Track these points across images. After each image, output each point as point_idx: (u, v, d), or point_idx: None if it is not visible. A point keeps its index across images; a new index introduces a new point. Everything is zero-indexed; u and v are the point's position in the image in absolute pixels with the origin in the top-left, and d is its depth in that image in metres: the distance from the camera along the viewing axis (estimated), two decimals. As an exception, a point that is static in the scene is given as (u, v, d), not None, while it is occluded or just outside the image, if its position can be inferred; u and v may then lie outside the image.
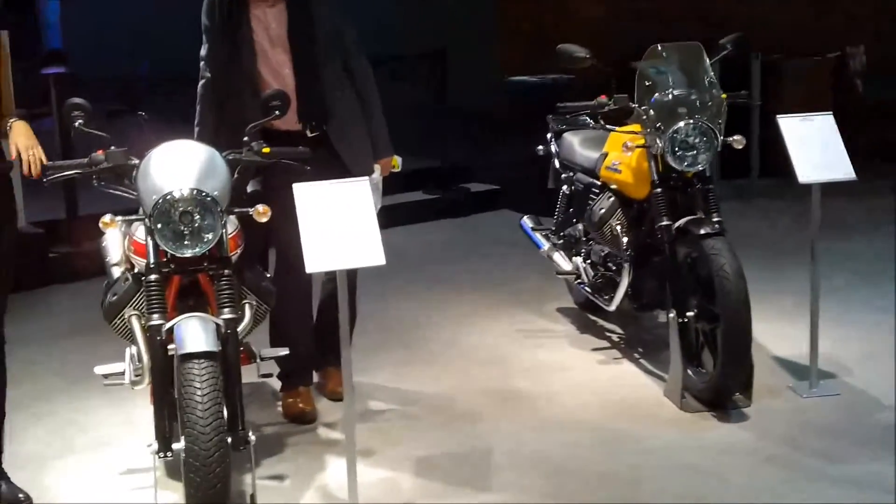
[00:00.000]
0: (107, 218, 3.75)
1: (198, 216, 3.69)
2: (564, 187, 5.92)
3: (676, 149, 4.77)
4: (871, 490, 3.96)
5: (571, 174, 5.84)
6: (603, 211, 5.22)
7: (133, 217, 3.85)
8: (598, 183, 5.42)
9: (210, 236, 3.72)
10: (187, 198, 3.68)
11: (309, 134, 4.62)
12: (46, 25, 15.50)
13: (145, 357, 3.74)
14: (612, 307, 5.28)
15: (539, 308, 6.20)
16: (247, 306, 3.95)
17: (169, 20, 10.78)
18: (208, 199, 3.69)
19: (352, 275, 4.61)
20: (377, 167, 4.80)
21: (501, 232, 7.95)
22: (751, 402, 4.65)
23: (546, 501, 4.00)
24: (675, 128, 4.75)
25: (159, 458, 3.66)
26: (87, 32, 14.43)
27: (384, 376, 5.25)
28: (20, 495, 4.04)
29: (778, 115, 4.93)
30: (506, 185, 9.01)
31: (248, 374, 4.01)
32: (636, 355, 5.38)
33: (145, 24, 13.49)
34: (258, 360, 4.15)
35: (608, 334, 5.72)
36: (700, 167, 4.83)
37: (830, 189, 4.83)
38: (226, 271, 3.79)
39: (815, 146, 4.82)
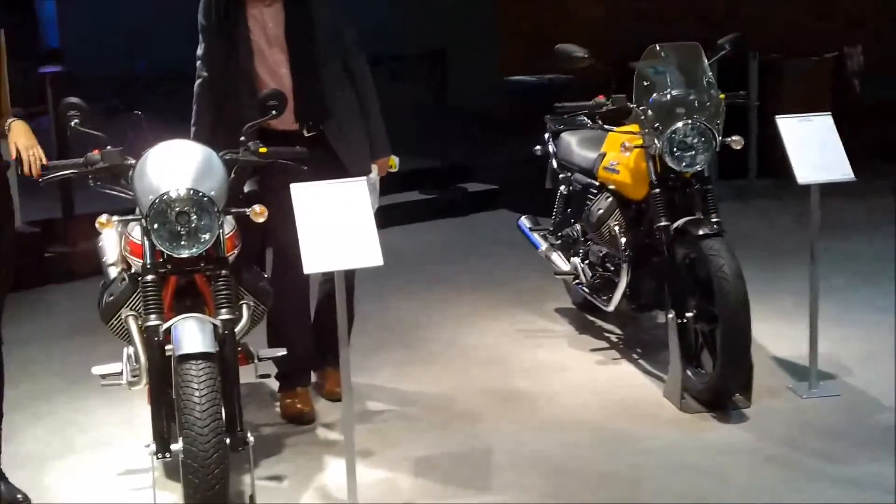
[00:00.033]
0: (103, 218, 3.73)
1: (194, 216, 3.67)
2: (562, 187, 5.91)
3: (675, 149, 4.76)
4: (871, 491, 3.95)
5: (569, 174, 5.83)
6: (601, 211, 5.21)
7: (129, 217, 3.83)
8: (596, 183, 5.41)
9: (207, 237, 3.70)
10: (184, 198, 3.66)
11: (306, 134, 4.61)
12: (44, 24, 15.48)
13: (142, 357, 3.72)
14: (611, 308, 5.27)
15: (538, 308, 6.19)
16: (244, 307, 3.93)
17: (166, 19, 10.77)
18: (205, 199, 3.68)
19: (349, 275, 4.60)
20: (374, 167, 4.78)
21: (499, 232, 7.94)
22: (750, 403, 4.64)
23: (545, 501, 3.99)
24: (674, 128, 4.74)
25: (157, 458, 3.65)
26: (85, 31, 14.41)
27: (383, 376, 5.23)
28: (18, 496, 4.02)
29: (777, 116, 4.92)
30: (503, 185, 9.00)
31: (246, 375, 4.00)
32: (635, 356, 5.37)
33: (142, 24, 13.47)
34: (256, 361, 4.12)
35: (607, 335, 5.71)
36: (698, 167, 4.82)
37: (829, 189, 4.83)
38: (223, 272, 3.77)
39: (813, 147, 4.81)
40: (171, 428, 3.62)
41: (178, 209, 3.66)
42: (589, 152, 5.56)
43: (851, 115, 8.07)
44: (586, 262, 5.61)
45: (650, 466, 4.21)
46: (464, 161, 9.36)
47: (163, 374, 3.63)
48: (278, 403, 4.83)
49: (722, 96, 4.89)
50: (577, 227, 5.70)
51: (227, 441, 3.45)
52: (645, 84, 4.93)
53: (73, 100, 3.93)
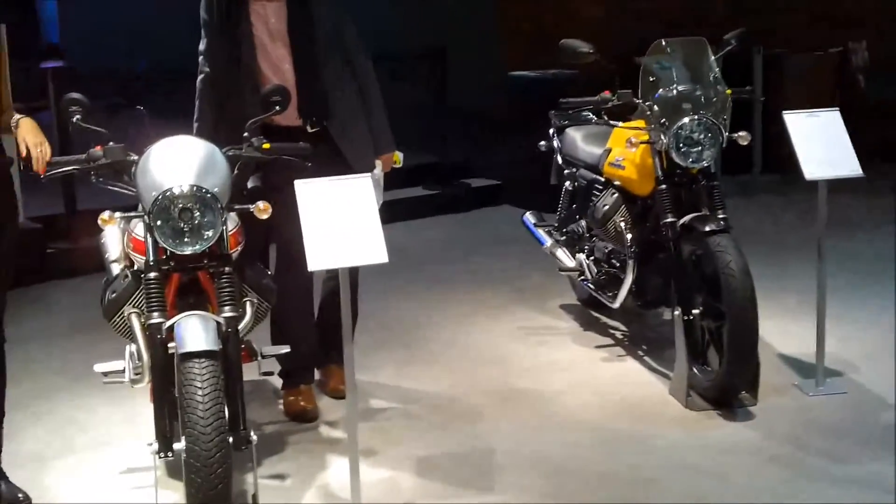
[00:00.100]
0: (105, 215, 3.70)
1: (198, 213, 3.65)
2: (567, 183, 5.88)
3: (681, 145, 4.73)
4: (876, 489, 3.92)
5: (574, 170, 5.80)
6: (606, 207, 5.18)
7: (132, 214, 3.80)
8: (602, 179, 5.38)
9: (210, 233, 3.68)
10: (187, 194, 3.63)
11: (309, 130, 4.58)
12: (45, 21, 15.45)
13: (145, 355, 3.69)
14: (616, 304, 5.24)
15: (541, 305, 6.16)
16: (247, 304, 3.91)
17: (168, 15, 10.73)
18: (208, 195, 3.65)
19: (353, 272, 4.56)
20: (378, 163, 4.76)
21: (503, 228, 7.91)
22: (757, 401, 4.61)
23: (548, 501, 3.96)
24: (680, 124, 4.71)
25: (160, 458, 3.62)
26: (86, 26, 14.38)
27: (385, 374, 5.21)
28: (19, 495, 4.00)
29: (784, 111, 4.89)
30: (507, 181, 8.97)
31: (249, 372, 3.97)
32: (640, 353, 5.34)
33: (144, 19, 13.43)
34: (259, 358, 4.10)
35: (612, 331, 5.68)
36: (705, 163, 4.79)
37: (833, 186, 4.80)
38: (226, 269, 3.75)
39: (821, 142, 4.79)
40: (174, 426, 3.59)
41: (181, 206, 3.63)
42: (594, 148, 5.53)
43: (855, 112, 8.03)
44: (591, 258, 5.59)
45: (653, 466, 4.18)
46: (467, 157, 9.33)
47: (165, 372, 3.61)
48: (281, 401, 4.80)
49: (728, 92, 4.85)
50: (583, 223, 5.67)
51: (230, 440, 3.43)
52: (651, 79, 4.90)
53: (75, 95, 3.90)
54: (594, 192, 5.43)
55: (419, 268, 7.02)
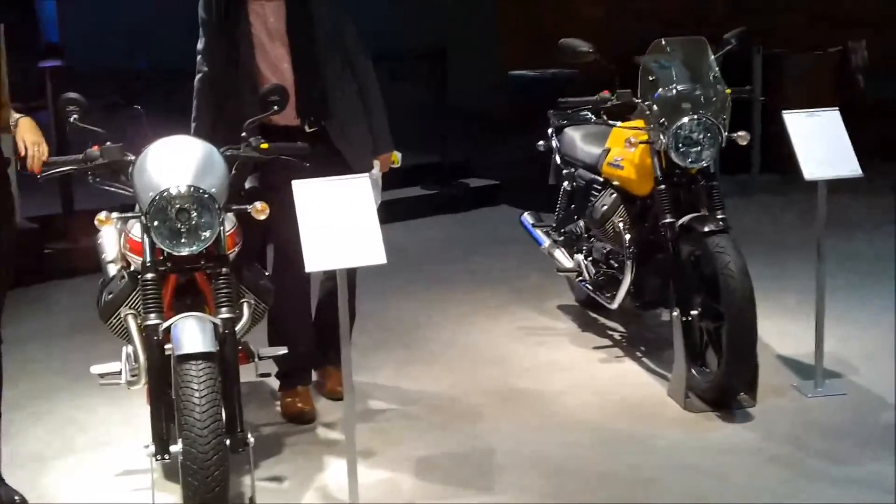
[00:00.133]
0: (102, 215, 3.68)
1: (195, 213, 3.63)
2: (566, 183, 5.86)
3: (680, 145, 4.72)
4: (876, 490, 3.91)
5: (573, 170, 5.78)
6: (605, 207, 5.17)
7: (129, 214, 3.78)
8: (600, 179, 5.37)
9: (207, 234, 3.66)
10: (184, 195, 3.61)
11: (307, 129, 4.56)
12: (44, 21, 15.44)
13: (142, 357, 3.68)
14: (615, 305, 5.23)
15: (540, 306, 6.15)
16: (245, 305, 3.89)
17: (166, 14, 10.72)
18: (206, 196, 3.63)
19: (351, 273, 4.55)
20: (377, 163, 4.74)
21: (501, 228, 7.90)
22: (755, 402, 4.60)
23: (548, 502, 3.95)
24: (679, 123, 4.70)
25: (157, 460, 3.60)
26: (85, 26, 14.37)
27: (383, 375, 5.19)
28: (16, 497, 3.98)
29: (784, 111, 4.87)
30: (505, 181, 8.95)
31: (246, 374, 3.96)
32: (638, 354, 5.33)
33: (143, 18, 13.42)
34: (256, 360, 4.08)
35: (610, 332, 5.67)
36: (704, 163, 4.77)
37: (832, 185, 4.78)
38: (223, 270, 3.73)
39: (820, 142, 4.78)
40: (171, 428, 3.57)
41: (178, 206, 3.61)
42: (593, 148, 5.51)
43: (855, 111, 8.01)
44: (590, 258, 5.57)
45: (653, 466, 4.17)
46: (466, 157, 9.32)
47: (162, 373, 3.59)
48: (279, 402, 4.79)
49: (728, 91, 4.84)
50: (581, 223, 5.65)
51: (228, 442, 3.41)
52: (650, 79, 4.88)
53: (73, 95, 3.88)
54: (593, 192, 5.41)
55: (418, 268, 7.00)
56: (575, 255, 5.66)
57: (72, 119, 3.86)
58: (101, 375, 3.99)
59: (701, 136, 4.71)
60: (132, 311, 3.81)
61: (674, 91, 4.79)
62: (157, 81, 10.70)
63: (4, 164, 3.97)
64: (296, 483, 4.13)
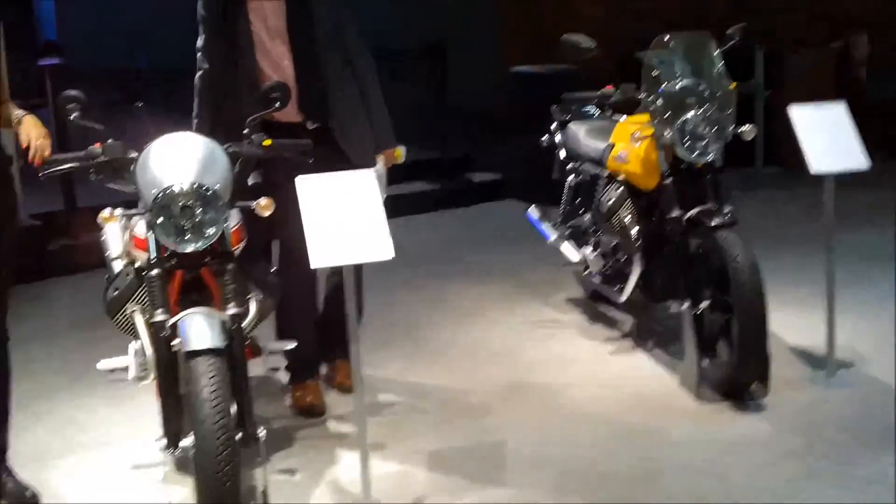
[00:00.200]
0: (105, 213, 3.65)
1: (199, 210, 3.59)
2: (570, 178, 5.84)
3: (686, 139, 4.69)
4: (888, 483, 3.87)
5: (578, 165, 5.76)
6: (611, 202, 5.14)
7: (133, 211, 3.75)
8: (606, 173, 5.35)
9: (212, 231, 3.62)
10: (188, 192, 3.58)
11: (309, 126, 4.53)
12: (42, 17, 15.41)
13: (149, 353, 3.65)
14: (623, 298, 5.21)
15: (547, 299, 6.13)
16: (252, 301, 3.86)
17: (166, 12, 10.70)
18: (209, 192, 3.59)
19: (358, 267, 4.52)
20: (380, 159, 4.72)
21: (505, 222, 7.88)
22: (767, 393, 4.57)
23: (560, 496, 3.92)
24: (685, 118, 4.67)
25: (168, 454, 3.59)
26: (84, 24, 14.34)
27: (391, 369, 5.18)
28: (27, 492, 3.98)
29: (790, 105, 4.85)
30: (509, 176, 8.93)
31: (255, 368, 3.94)
32: (648, 346, 5.31)
33: (142, 16, 13.40)
34: (265, 355, 4.06)
35: (619, 325, 5.65)
36: (710, 158, 4.75)
37: (837, 179, 4.74)
38: (229, 266, 3.70)
39: (827, 135, 4.76)
40: (181, 423, 3.55)
41: (182, 203, 3.58)
42: (597, 142, 5.49)
43: (856, 106, 7.97)
44: (597, 252, 5.55)
45: (665, 459, 4.14)
46: (469, 152, 9.29)
47: (170, 369, 3.56)
48: (288, 396, 4.77)
49: (733, 86, 4.82)
50: (587, 217, 5.64)
51: (238, 437, 3.38)
52: (655, 74, 4.86)
53: (73, 92, 3.85)
54: (598, 186, 5.39)
55: (423, 263, 6.98)
56: (582, 249, 5.63)
57: (72, 117, 3.82)
58: (109, 371, 3.96)
59: (706, 131, 4.69)
60: (139, 307, 3.77)
61: (679, 86, 4.76)
62: (157, 79, 10.68)
63: (7, 162, 3.95)
64: (307, 476, 4.11)
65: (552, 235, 5.85)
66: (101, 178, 3.85)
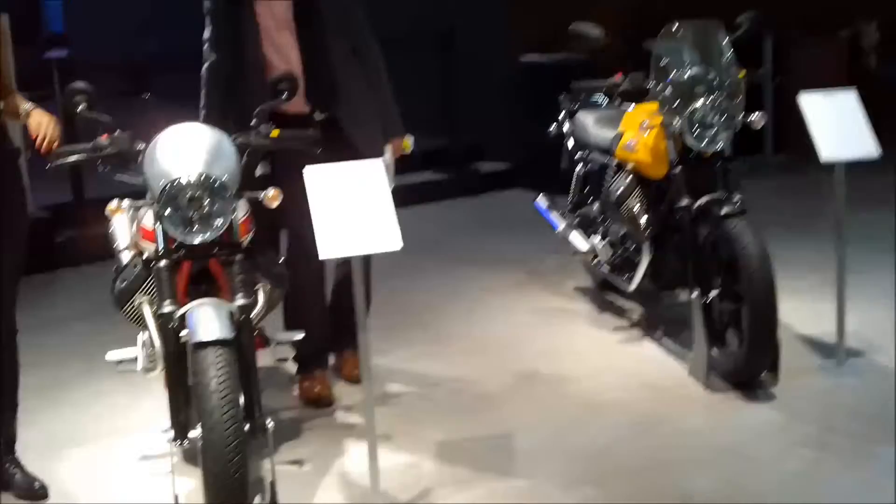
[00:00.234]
0: (113, 204, 3.65)
1: (207, 201, 3.58)
2: (579, 167, 5.83)
3: (695, 128, 4.67)
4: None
5: (586, 154, 5.74)
6: (620, 191, 5.13)
7: (140, 203, 3.74)
8: (615, 163, 5.33)
9: (220, 222, 3.62)
10: (196, 183, 3.57)
11: (317, 116, 4.52)
12: (48, 9, 15.41)
13: (158, 344, 3.64)
14: (632, 287, 5.20)
15: (556, 288, 6.12)
16: (260, 291, 3.85)
17: (173, 3, 10.67)
18: (217, 184, 3.59)
19: (367, 258, 4.52)
20: (388, 149, 4.70)
21: (513, 211, 7.87)
22: (778, 382, 4.56)
23: (569, 488, 3.90)
24: (694, 107, 4.65)
25: (176, 446, 3.59)
26: (90, 15, 14.33)
27: (399, 359, 5.17)
28: (35, 484, 3.99)
29: (800, 93, 4.82)
30: (517, 165, 8.90)
31: (263, 359, 3.92)
32: (658, 335, 5.30)
33: (149, 7, 13.38)
34: (273, 345, 4.05)
35: (628, 314, 5.64)
36: (719, 146, 4.72)
37: (846, 166, 4.72)
38: (237, 257, 3.69)
39: (837, 123, 4.73)
40: (189, 414, 3.55)
41: (189, 194, 3.57)
42: (606, 131, 5.47)
43: (865, 93, 7.93)
44: (605, 241, 5.53)
45: (675, 448, 4.14)
46: (477, 141, 9.27)
47: (179, 360, 3.55)
48: (296, 386, 4.77)
49: (742, 74, 4.79)
50: (596, 206, 5.62)
51: (246, 428, 3.38)
52: (664, 62, 4.83)
53: (80, 84, 3.84)
54: (607, 175, 5.38)
55: (431, 253, 6.97)
56: (591, 238, 5.62)
57: (80, 109, 3.82)
58: (118, 362, 3.96)
59: (716, 119, 4.67)
60: (147, 299, 3.77)
61: (688, 74, 4.74)
62: (164, 71, 10.67)
63: (15, 154, 3.95)
64: (316, 467, 4.12)
65: (561, 225, 5.84)
66: (109, 169, 3.85)
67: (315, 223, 3.67)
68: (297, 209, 4.07)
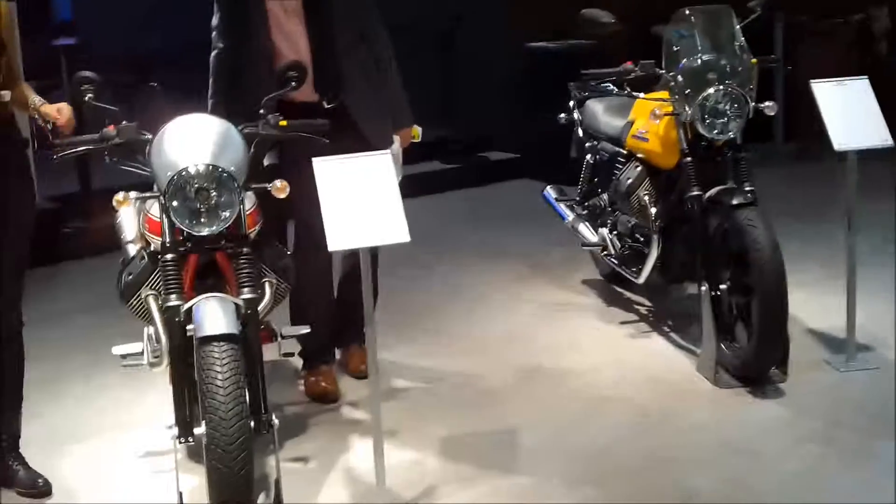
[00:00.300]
0: (120, 196, 3.62)
1: (214, 193, 3.56)
2: (588, 156, 5.78)
3: (706, 116, 4.62)
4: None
5: (595, 143, 5.70)
6: (630, 181, 5.08)
7: (147, 194, 3.72)
8: (624, 152, 5.29)
9: (227, 213, 3.59)
10: (203, 174, 3.54)
11: (326, 105, 4.48)
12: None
13: (163, 338, 3.61)
14: (641, 280, 5.15)
15: (564, 281, 6.08)
16: (267, 285, 3.82)
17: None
18: (224, 175, 3.56)
19: (374, 250, 4.48)
20: (396, 138, 4.67)
21: (522, 202, 7.80)
22: (787, 377, 4.52)
23: (574, 484, 3.88)
24: (705, 94, 4.60)
25: (180, 443, 3.56)
26: (99, 3, 14.28)
27: (404, 353, 5.14)
28: (39, 480, 3.96)
29: (812, 81, 4.77)
30: (526, 154, 8.85)
31: (269, 353, 3.90)
32: (666, 329, 5.25)
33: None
34: (279, 339, 4.02)
35: (636, 307, 5.59)
36: (731, 135, 4.68)
37: (858, 155, 4.67)
38: (244, 249, 3.66)
39: (850, 112, 4.68)
40: (194, 410, 3.52)
41: (197, 186, 3.54)
42: (616, 120, 5.42)
43: (875, 80, 7.87)
44: (615, 232, 5.48)
45: (683, 444, 4.11)
46: (485, 130, 9.22)
47: (184, 355, 3.53)
48: (302, 381, 4.73)
49: (754, 61, 4.74)
50: (605, 196, 5.57)
51: (252, 424, 3.35)
52: (674, 49, 4.79)
53: (87, 73, 3.83)
54: (617, 165, 5.34)
55: (438, 244, 6.93)
56: (599, 230, 5.57)
57: (87, 98, 3.80)
58: (123, 356, 3.94)
59: (727, 107, 4.62)
60: (153, 292, 3.73)
61: (699, 61, 4.69)
62: (173, 59, 10.63)
63: (23, 144, 3.93)
64: (321, 464, 4.09)
65: (569, 215, 5.80)
66: (116, 160, 3.83)
67: (324, 215, 3.64)
68: (305, 199, 4.04)
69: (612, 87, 5.61)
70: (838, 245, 4.84)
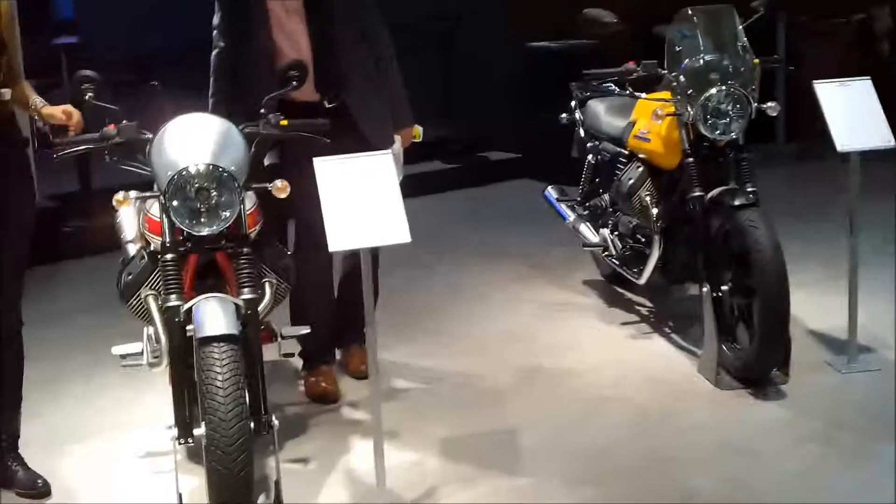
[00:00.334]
0: (119, 195, 3.62)
1: (214, 192, 3.55)
2: (590, 157, 5.77)
3: (709, 116, 4.61)
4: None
5: (597, 143, 5.69)
6: (632, 181, 5.07)
7: (147, 194, 3.71)
8: (626, 152, 5.28)
9: (227, 213, 3.58)
10: (203, 173, 3.54)
11: (327, 105, 4.47)
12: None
13: (163, 339, 3.60)
14: (642, 280, 5.14)
15: (564, 281, 6.07)
16: (267, 285, 3.81)
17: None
18: (225, 174, 3.55)
19: (375, 250, 4.48)
20: (397, 138, 4.66)
21: (523, 202, 7.79)
22: (788, 378, 4.51)
23: (574, 485, 3.87)
24: (708, 94, 4.60)
25: (180, 444, 3.55)
26: (100, 2, 14.27)
27: (404, 353, 5.13)
28: (38, 481, 3.95)
29: (814, 81, 4.76)
30: (527, 154, 8.84)
31: (269, 353, 3.89)
32: (667, 330, 5.25)
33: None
34: (279, 339, 4.01)
35: (637, 308, 5.59)
36: (733, 135, 4.67)
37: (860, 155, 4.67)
38: (245, 249, 3.66)
39: (852, 112, 4.68)
40: (194, 411, 3.51)
41: (197, 185, 3.53)
42: (618, 120, 5.41)
43: (877, 80, 7.86)
44: (616, 233, 5.47)
45: (683, 445, 4.10)
46: (486, 130, 9.21)
47: (184, 356, 3.52)
48: (302, 382, 4.72)
49: (756, 61, 4.73)
50: (606, 197, 5.56)
51: (252, 425, 3.34)
52: (677, 49, 4.78)
53: (87, 72, 3.82)
54: (618, 165, 5.33)
55: (438, 244, 6.92)
56: (600, 230, 5.56)
57: (87, 97, 3.79)
58: (122, 356, 3.93)
59: (730, 108, 4.61)
60: (153, 292, 3.72)
61: (701, 61, 4.68)
62: (173, 58, 10.63)
63: (24, 143, 3.92)
64: (321, 464, 4.08)
65: (570, 216, 5.79)
66: (116, 159, 3.82)
67: (325, 215, 3.63)
68: (305, 201, 4.03)
69: (613, 87, 5.60)
70: (840, 245, 4.83)
